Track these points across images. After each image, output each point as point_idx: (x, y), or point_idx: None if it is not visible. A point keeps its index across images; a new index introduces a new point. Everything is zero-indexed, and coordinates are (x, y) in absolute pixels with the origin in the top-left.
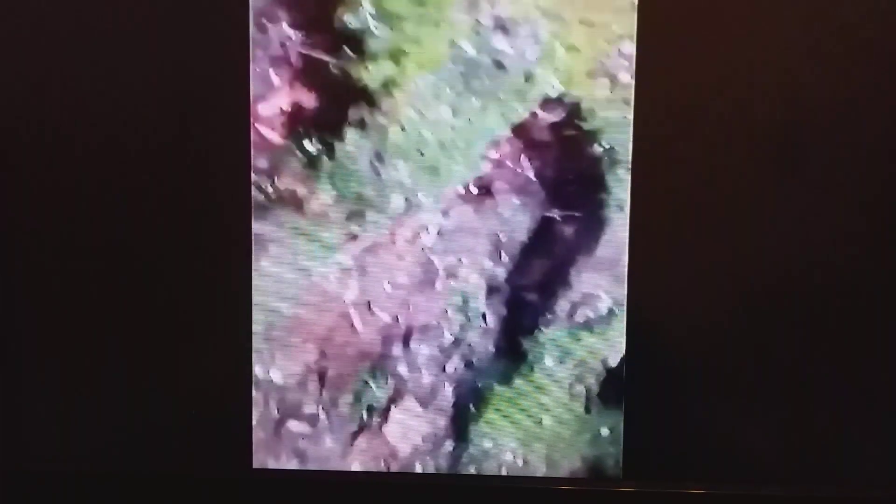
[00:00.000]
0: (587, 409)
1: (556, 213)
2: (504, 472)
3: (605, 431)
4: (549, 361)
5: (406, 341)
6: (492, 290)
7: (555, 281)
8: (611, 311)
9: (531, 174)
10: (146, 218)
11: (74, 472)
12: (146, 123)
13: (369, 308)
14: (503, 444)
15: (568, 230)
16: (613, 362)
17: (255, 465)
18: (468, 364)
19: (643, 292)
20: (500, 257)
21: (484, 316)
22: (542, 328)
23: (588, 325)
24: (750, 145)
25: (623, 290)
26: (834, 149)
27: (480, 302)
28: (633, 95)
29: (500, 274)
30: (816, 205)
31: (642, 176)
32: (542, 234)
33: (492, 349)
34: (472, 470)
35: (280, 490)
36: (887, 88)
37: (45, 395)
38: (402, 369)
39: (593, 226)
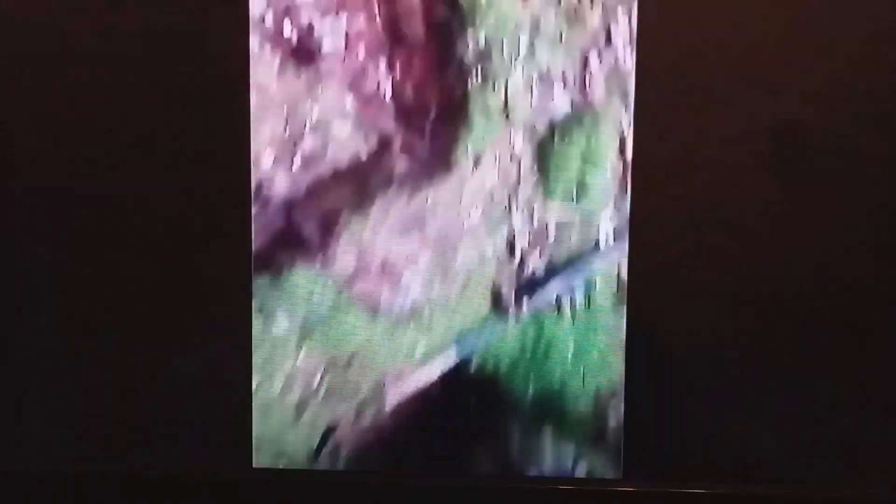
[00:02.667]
0: None
1: None
2: None
3: None
4: None
5: None
6: None
7: None
8: None
9: None
10: (146, 217)
11: (74, 472)
12: (146, 122)
13: None
14: None
15: None
16: None
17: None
18: None
19: (643, 293)
20: None
21: None
22: None
23: None
24: (752, 145)
25: None
26: (835, 149)
27: None
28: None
29: None
30: (817, 205)
31: (643, 176)
32: None
33: None
34: None
35: (280, 490)
36: (887, 88)
37: (45, 395)
38: None
39: None
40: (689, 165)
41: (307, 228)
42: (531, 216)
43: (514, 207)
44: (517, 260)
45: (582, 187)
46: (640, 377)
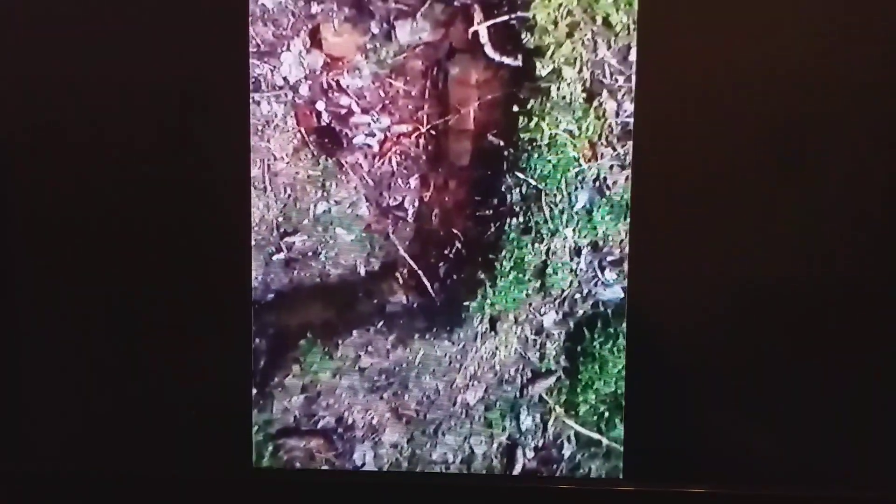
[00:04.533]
0: None
1: None
2: None
3: None
4: None
5: None
6: None
7: None
8: None
9: None
10: (146, 218)
11: (74, 472)
12: (145, 121)
13: None
14: None
15: None
16: None
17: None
18: None
19: (644, 294)
20: None
21: None
22: None
23: None
24: (750, 145)
25: None
26: (834, 149)
27: None
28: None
29: None
30: (818, 206)
31: (642, 176)
32: None
33: None
34: None
35: (280, 490)
36: (887, 88)
37: (45, 395)
38: None
39: None
40: (690, 169)
41: (257, 343)
42: (543, 423)
43: (524, 404)
44: (515, 474)
45: (616, 412)
46: (640, 377)
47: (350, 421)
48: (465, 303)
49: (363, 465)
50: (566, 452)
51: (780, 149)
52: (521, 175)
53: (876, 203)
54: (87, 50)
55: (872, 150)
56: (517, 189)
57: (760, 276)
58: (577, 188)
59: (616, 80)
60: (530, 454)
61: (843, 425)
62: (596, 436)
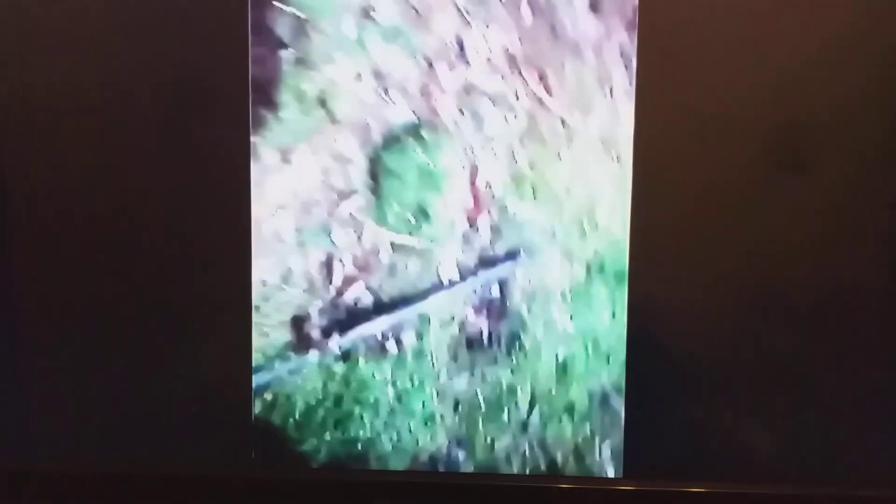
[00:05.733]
0: None
1: None
2: None
3: None
4: None
5: None
6: None
7: None
8: None
9: None
10: (146, 216)
11: (74, 472)
12: (144, 118)
13: None
14: None
15: None
16: None
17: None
18: None
19: (644, 293)
20: None
21: None
22: None
23: None
24: (750, 146)
25: None
26: (834, 149)
27: None
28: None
29: None
30: (818, 205)
31: (643, 177)
32: None
33: None
34: None
35: (280, 490)
36: (887, 88)
37: (45, 395)
38: None
39: None
40: (690, 165)
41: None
42: (358, 236)
43: (334, 223)
44: (333, 286)
45: (421, 214)
46: (640, 377)
47: None
48: (254, 140)
49: None
50: (384, 259)
51: (780, 150)
52: (286, 7)
53: (876, 206)
54: (86, 50)
55: (871, 157)
56: (285, 22)
57: (762, 274)
58: (343, 15)
59: None
60: (349, 263)
61: (844, 425)
62: (408, 240)
